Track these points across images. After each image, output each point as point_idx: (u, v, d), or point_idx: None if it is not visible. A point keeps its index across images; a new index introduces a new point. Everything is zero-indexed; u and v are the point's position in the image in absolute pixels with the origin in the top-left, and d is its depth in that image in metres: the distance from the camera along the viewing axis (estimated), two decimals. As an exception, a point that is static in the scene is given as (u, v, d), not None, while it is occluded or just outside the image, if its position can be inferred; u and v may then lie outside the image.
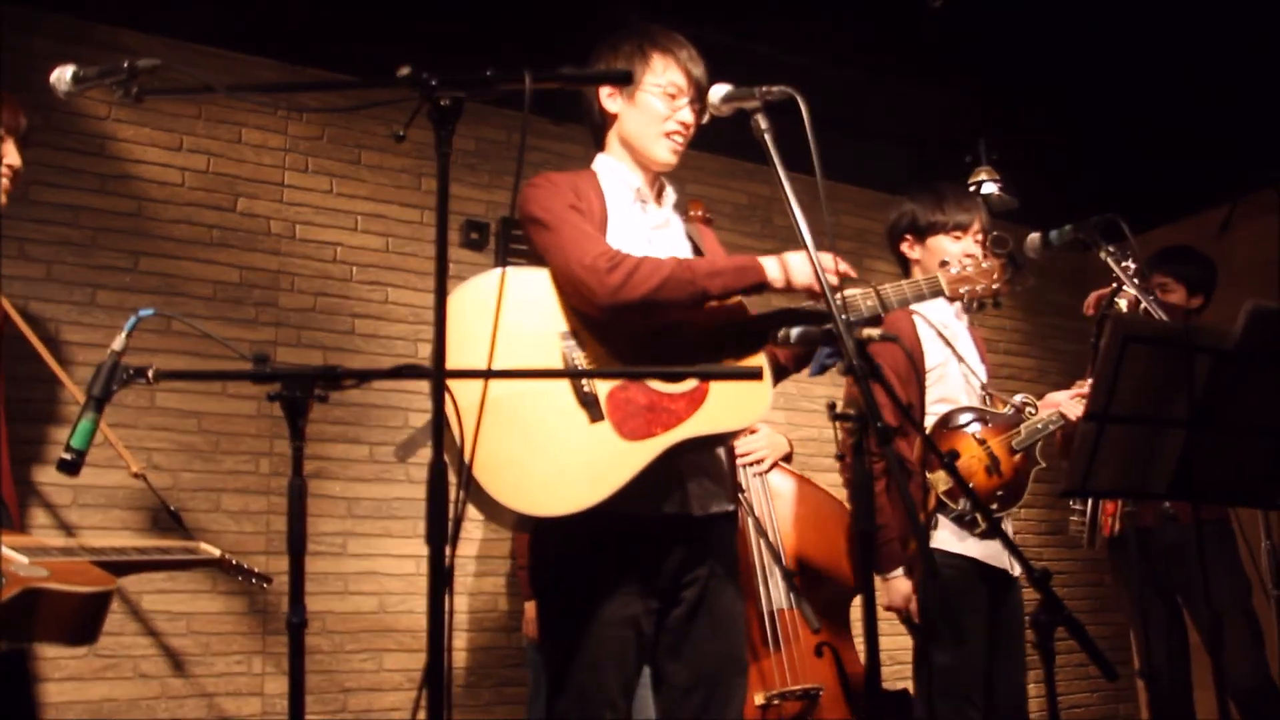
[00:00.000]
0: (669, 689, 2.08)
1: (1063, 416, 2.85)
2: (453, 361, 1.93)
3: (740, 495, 2.72)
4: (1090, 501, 3.16)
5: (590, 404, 1.95)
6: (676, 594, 2.08)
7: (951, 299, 2.23)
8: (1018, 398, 2.96)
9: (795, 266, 2.04)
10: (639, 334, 2.04)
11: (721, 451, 2.18)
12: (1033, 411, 2.91)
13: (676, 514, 2.04)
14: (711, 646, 2.08)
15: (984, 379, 2.97)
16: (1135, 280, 2.54)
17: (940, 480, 2.85)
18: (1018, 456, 2.86)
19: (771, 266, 2.04)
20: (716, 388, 2.01)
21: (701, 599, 2.08)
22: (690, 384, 2.01)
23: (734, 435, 2.07)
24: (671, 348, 2.05)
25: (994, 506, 2.84)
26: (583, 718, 1.96)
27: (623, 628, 2.00)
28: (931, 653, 2.87)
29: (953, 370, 2.90)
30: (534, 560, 2.13)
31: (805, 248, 1.76)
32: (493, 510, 1.95)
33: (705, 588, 2.09)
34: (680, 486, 2.05)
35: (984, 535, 2.77)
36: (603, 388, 1.97)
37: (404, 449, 3.46)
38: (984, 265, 2.26)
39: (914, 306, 2.87)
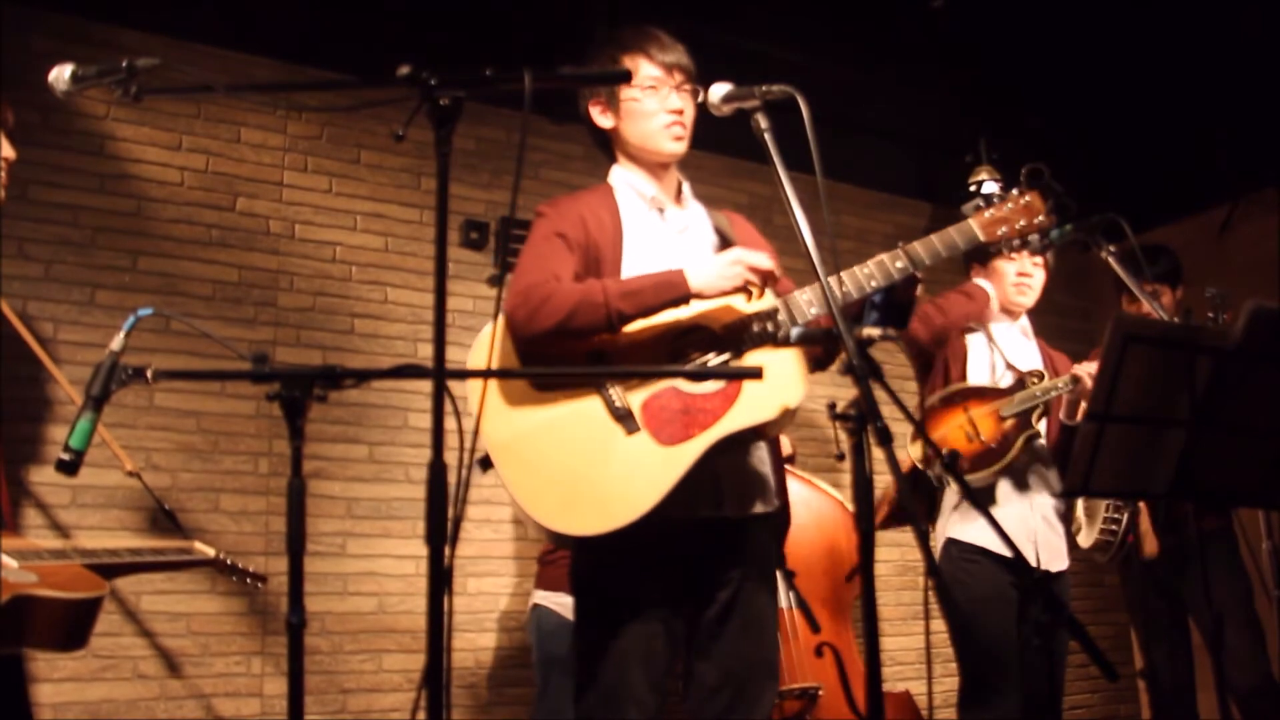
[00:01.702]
0: (697, 688, 2.09)
1: (1075, 379, 2.84)
2: (488, 403, 1.96)
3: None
4: (1125, 521, 3.18)
5: (624, 417, 1.96)
6: (710, 595, 2.08)
7: (988, 242, 2.08)
8: (1029, 369, 2.98)
9: (715, 272, 2.01)
10: (663, 341, 2.04)
11: (763, 453, 2.16)
12: (1036, 381, 2.92)
13: (712, 516, 2.04)
14: (742, 648, 2.08)
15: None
16: (1140, 285, 2.55)
17: (914, 449, 2.90)
18: (1007, 423, 2.88)
19: (697, 275, 2.00)
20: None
21: (734, 600, 2.08)
22: (721, 381, 2.01)
23: (777, 424, 2.03)
24: (698, 349, 2.05)
25: (968, 470, 2.86)
26: (607, 715, 1.97)
27: (653, 625, 2.01)
28: (957, 649, 2.92)
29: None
30: (574, 561, 2.14)
31: (810, 254, 1.76)
32: (541, 531, 1.98)
33: (739, 589, 2.09)
34: (716, 488, 2.05)
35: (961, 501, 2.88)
36: (635, 400, 1.98)
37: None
38: (1024, 202, 2.10)
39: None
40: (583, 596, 2.11)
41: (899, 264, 2.03)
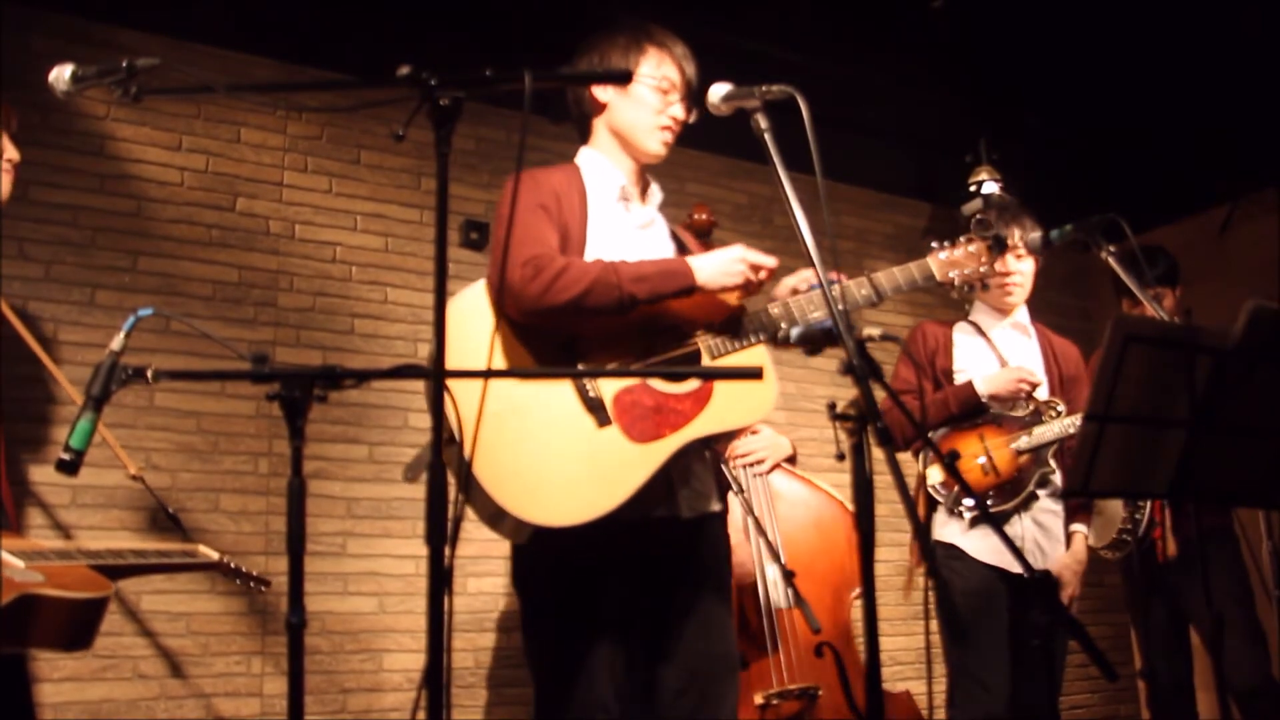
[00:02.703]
0: (661, 691, 2.07)
1: None
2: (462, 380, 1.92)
3: (740, 496, 2.73)
4: (1144, 525, 3.18)
5: (596, 409, 1.94)
6: (665, 596, 2.08)
7: (942, 283, 2.29)
8: (1045, 399, 2.97)
9: (719, 267, 2.02)
10: (637, 334, 2.03)
11: (708, 452, 2.17)
12: (1054, 415, 2.91)
13: (665, 516, 2.04)
14: (703, 647, 2.07)
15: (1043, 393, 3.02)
16: (1142, 286, 2.55)
17: (933, 472, 2.90)
18: (1024, 458, 2.87)
19: (702, 268, 2.01)
20: (722, 384, 2.01)
21: (691, 601, 2.08)
22: (694, 383, 2.01)
23: (742, 432, 2.09)
24: (671, 345, 2.05)
25: (986, 504, 2.87)
26: None
27: (611, 630, 1.99)
28: (946, 648, 2.93)
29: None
30: (518, 563, 2.11)
31: (807, 252, 1.76)
32: (496, 518, 1.94)
33: (694, 589, 2.08)
34: (668, 489, 2.04)
35: (973, 523, 2.86)
36: (608, 391, 1.96)
37: (413, 470, 3.46)
38: (970, 249, 2.30)
39: (973, 318, 3.16)
40: (536, 595, 2.07)
41: (864, 292, 2.14)
